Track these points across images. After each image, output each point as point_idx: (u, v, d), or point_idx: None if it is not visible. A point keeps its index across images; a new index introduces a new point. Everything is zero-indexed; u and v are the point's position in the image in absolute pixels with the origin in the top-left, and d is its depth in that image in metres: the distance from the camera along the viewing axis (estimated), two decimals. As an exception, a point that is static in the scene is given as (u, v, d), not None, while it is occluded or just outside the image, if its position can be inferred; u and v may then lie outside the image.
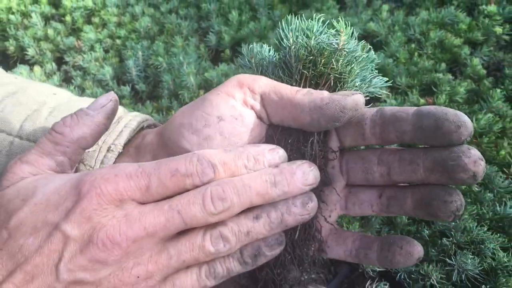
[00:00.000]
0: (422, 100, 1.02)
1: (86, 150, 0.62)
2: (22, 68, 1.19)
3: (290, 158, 0.57)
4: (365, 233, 0.85)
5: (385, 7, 1.22)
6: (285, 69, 0.62)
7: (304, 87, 0.60)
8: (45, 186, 0.50)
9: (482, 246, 0.80)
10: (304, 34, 0.60)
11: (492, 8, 1.15)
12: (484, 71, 1.06)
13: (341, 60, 0.59)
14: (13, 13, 1.35)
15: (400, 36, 1.14)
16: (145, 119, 0.70)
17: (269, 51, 0.67)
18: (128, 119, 0.67)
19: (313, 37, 0.59)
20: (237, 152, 0.53)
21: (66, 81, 1.21)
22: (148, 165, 0.50)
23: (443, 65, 1.08)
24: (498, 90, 1.00)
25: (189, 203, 0.48)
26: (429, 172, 0.53)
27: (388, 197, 0.58)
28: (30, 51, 1.25)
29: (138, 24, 1.27)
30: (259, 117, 0.58)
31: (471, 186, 0.87)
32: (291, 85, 0.60)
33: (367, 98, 0.60)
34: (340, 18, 0.60)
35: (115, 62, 1.22)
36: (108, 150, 0.63)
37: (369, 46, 0.62)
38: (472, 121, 0.93)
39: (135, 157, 0.65)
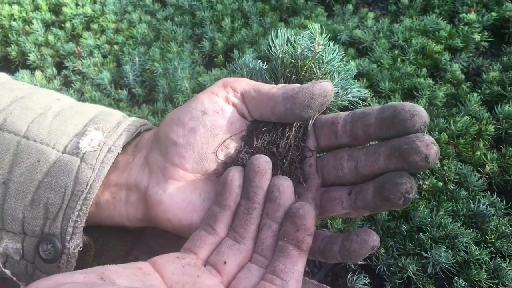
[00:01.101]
0: (403, 104, 1.07)
1: (87, 150, 0.67)
2: (24, 73, 1.24)
3: (266, 152, 0.63)
4: (348, 229, 0.90)
5: (371, 15, 1.28)
6: (272, 74, 0.68)
7: None
8: None
9: (456, 240, 0.86)
10: (290, 44, 0.66)
11: (472, 16, 1.21)
12: (463, 76, 1.12)
13: (323, 69, 0.65)
14: (15, 20, 1.40)
15: (384, 42, 1.20)
16: (143, 123, 0.75)
17: (260, 64, 0.73)
18: (127, 124, 0.72)
19: (298, 47, 0.65)
20: None
21: (66, 85, 1.26)
22: None
23: (424, 70, 1.13)
24: (475, 94, 1.06)
25: None
26: (388, 159, 0.58)
27: (356, 192, 0.63)
28: (32, 56, 1.30)
29: (135, 31, 1.33)
30: (240, 114, 0.65)
31: (447, 184, 0.93)
32: None
33: (345, 104, 0.66)
34: (314, 24, 0.65)
35: (113, 67, 1.27)
36: (108, 151, 0.67)
37: (348, 61, 0.67)
38: (450, 123, 0.99)
39: (132, 154, 0.71)
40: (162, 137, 0.67)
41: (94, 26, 1.38)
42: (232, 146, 0.66)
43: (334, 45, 0.67)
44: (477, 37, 1.18)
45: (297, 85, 0.61)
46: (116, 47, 1.32)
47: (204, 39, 1.30)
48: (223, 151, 0.65)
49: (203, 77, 1.17)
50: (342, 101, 0.66)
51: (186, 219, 0.65)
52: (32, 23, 1.38)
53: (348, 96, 0.69)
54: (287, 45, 0.67)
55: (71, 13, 1.40)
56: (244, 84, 0.65)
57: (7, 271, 0.66)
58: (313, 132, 0.67)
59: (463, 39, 1.18)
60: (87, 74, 1.25)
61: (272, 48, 0.67)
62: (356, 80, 0.69)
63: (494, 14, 1.20)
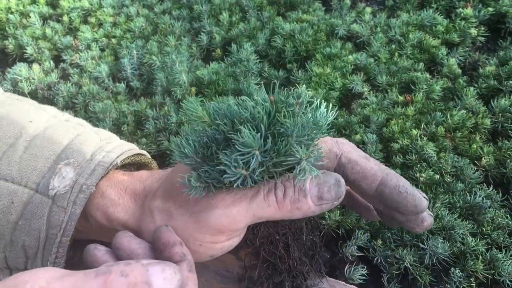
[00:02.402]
0: (401, 97, 1.08)
1: (59, 192, 0.62)
2: (21, 66, 1.24)
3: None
4: (345, 221, 0.91)
5: (368, 9, 1.29)
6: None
7: None
8: None
9: (453, 232, 0.86)
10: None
11: (469, 11, 1.21)
12: (460, 71, 1.13)
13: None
14: (12, 13, 1.40)
15: (381, 37, 1.20)
16: (120, 153, 0.69)
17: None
18: (102, 156, 0.66)
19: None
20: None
21: (64, 78, 1.26)
22: None
23: (421, 64, 1.14)
24: (472, 88, 1.07)
25: None
26: (387, 217, 0.61)
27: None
28: (29, 50, 1.30)
29: (133, 24, 1.33)
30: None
31: (444, 177, 0.94)
32: None
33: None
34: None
35: (110, 60, 1.27)
36: (80, 191, 0.63)
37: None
38: (446, 117, 1.00)
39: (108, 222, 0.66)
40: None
41: (92, 20, 1.38)
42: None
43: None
44: (473, 32, 1.19)
45: (314, 208, 0.56)
46: (113, 40, 1.32)
47: (202, 33, 1.30)
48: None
49: (201, 70, 1.18)
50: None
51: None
52: (30, 17, 1.38)
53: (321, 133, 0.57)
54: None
55: (69, 7, 1.40)
56: (244, 219, 0.56)
57: None
58: None
59: (460, 34, 1.19)
60: (85, 68, 1.25)
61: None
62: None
63: (490, 9, 1.21)
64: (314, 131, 0.51)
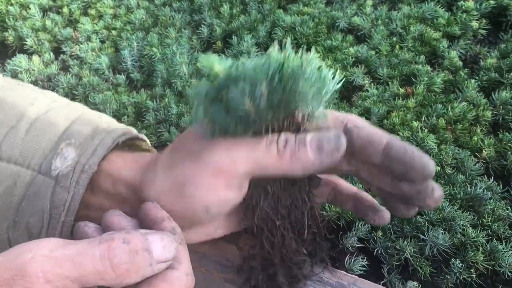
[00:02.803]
0: (402, 90, 1.08)
1: (61, 172, 0.62)
2: (21, 58, 1.24)
3: (284, 189, 0.61)
4: (345, 213, 0.91)
5: (369, 2, 1.28)
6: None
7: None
8: None
9: (453, 223, 0.86)
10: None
11: (470, 3, 1.21)
12: (461, 63, 1.12)
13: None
14: (12, 5, 1.40)
15: (382, 30, 1.20)
16: (121, 133, 0.68)
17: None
18: (103, 136, 0.66)
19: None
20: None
21: (64, 69, 1.26)
22: None
23: (422, 57, 1.14)
24: (473, 81, 1.07)
25: None
26: (395, 195, 0.59)
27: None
28: (29, 41, 1.30)
29: (133, 16, 1.33)
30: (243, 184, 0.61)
31: (444, 168, 0.94)
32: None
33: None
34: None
35: (111, 52, 1.27)
36: (82, 171, 0.62)
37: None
38: (447, 109, 1.00)
39: (111, 202, 0.67)
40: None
41: (92, 12, 1.38)
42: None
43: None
44: (475, 24, 1.18)
45: (313, 159, 0.55)
46: (114, 32, 1.31)
47: (202, 25, 1.30)
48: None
49: (201, 62, 1.17)
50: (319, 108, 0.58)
51: None
52: (29, 8, 1.37)
53: (327, 97, 0.61)
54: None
55: (69, -2, 1.40)
56: (244, 164, 0.55)
57: None
58: None
59: (461, 26, 1.19)
60: (85, 59, 1.24)
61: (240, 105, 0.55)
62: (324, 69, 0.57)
63: (492, 2, 1.21)
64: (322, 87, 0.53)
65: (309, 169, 0.55)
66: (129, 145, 0.72)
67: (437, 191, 0.55)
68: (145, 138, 0.75)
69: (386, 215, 0.64)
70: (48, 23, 1.33)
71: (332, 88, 0.54)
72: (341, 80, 0.54)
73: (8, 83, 0.74)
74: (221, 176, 0.55)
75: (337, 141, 0.54)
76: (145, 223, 0.55)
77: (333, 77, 0.54)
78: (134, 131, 0.73)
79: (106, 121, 0.71)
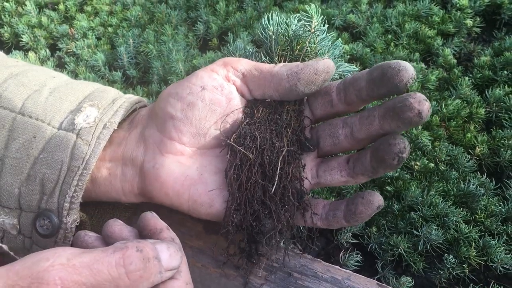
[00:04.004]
0: (396, 87, 1.09)
1: (83, 126, 0.67)
2: (17, 54, 1.24)
3: (267, 127, 0.64)
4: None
5: (365, -1, 1.29)
6: (266, 54, 0.70)
7: None
8: None
9: (446, 219, 0.87)
10: (282, 27, 0.68)
11: (464, 1, 1.22)
12: (455, 61, 1.13)
13: (313, 45, 0.67)
14: (7, 1, 1.39)
15: (378, 27, 1.21)
16: (138, 100, 0.76)
17: (253, 48, 0.76)
18: (123, 101, 0.72)
19: (291, 28, 0.67)
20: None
21: (60, 66, 1.26)
22: None
23: (417, 54, 1.15)
24: (467, 78, 1.08)
25: None
26: (383, 119, 0.59)
27: (354, 160, 0.64)
28: (25, 38, 1.30)
29: (129, 13, 1.33)
30: (240, 92, 0.66)
31: (438, 165, 0.95)
32: None
33: (336, 78, 0.68)
34: (312, 4, 0.67)
35: (107, 49, 1.27)
36: (104, 127, 0.68)
37: (334, 35, 0.72)
38: (441, 106, 1.01)
39: (128, 130, 0.71)
40: (159, 112, 0.67)
41: (88, 8, 1.38)
42: (231, 121, 0.66)
43: (324, 25, 0.68)
44: (469, 22, 1.19)
45: (299, 62, 0.63)
46: (110, 29, 1.31)
47: (198, 22, 1.30)
48: (222, 125, 0.66)
49: (197, 59, 1.18)
50: (333, 75, 0.67)
51: (183, 192, 0.66)
52: (25, 5, 1.37)
53: (339, 70, 0.71)
54: (280, 27, 0.69)
55: (65, -5, 1.40)
56: (245, 63, 0.66)
57: (5, 246, 0.66)
58: (307, 103, 0.68)
59: (455, 24, 1.20)
60: (81, 56, 1.24)
61: (266, 30, 0.69)
62: (342, 58, 0.72)
63: (486, 0, 1.22)
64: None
65: (293, 69, 0.62)
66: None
67: (419, 93, 0.57)
68: None
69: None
70: (44, 19, 1.33)
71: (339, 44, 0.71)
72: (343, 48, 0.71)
73: (29, 63, 0.80)
74: (224, 66, 0.66)
75: (326, 59, 0.62)
76: (144, 232, 0.57)
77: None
78: (146, 101, 0.79)
79: (121, 93, 0.76)
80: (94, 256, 0.45)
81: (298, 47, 0.67)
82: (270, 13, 0.69)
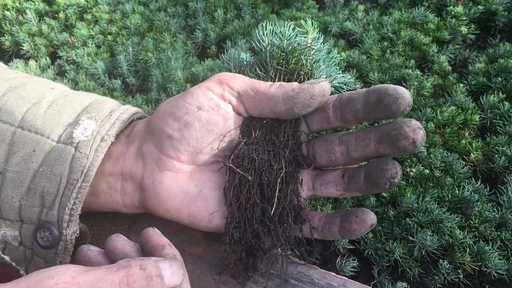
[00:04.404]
0: (392, 94, 1.10)
1: (81, 140, 0.68)
2: (18, 62, 1.25)
3: (265, 148, 0.65)
4: (338, 212, 0.93)
5: (361, 7, 1.30)
6: (262, 67, 0.71)
7: (279, 81, 0.69)
8: None
9: (441, 225, 0.89)
10: (277, 37, 0.69)
11: (459, 9, 1.24)
12: (450, 68, 1.15)
13: (309, 59, 0.68)
14: (8, 10, 1.41)
15: (374, 34, 1.22)
16: (136, 111, 0.77)
17: (245, 55, 0.76)
18: (120, 112, 0.73)
19: (285, 39, 0.68)
20: None
21: (60, 74, 1.27)
22: None
23: (413, 61, 1.16)
24: (462, 85, 1.09)
25: None
26: (378, 144, 0.61)
27: (349, 176, 0.66)
28: (25, 46, 1.31)
29: (129, 21, 1.34)
30: (236, 111, 0.67)
31: (433, 171, 0.96)
32: (267, 81, 0.68)
33: (332, 89, 0.69)
34: (308, 19, 0.68)
35: (106, 57, 1.28)
36: (101, 140, 0.68)
37: (331, 47, 0.71)
38: (436, 113, 1.02)
39: (125, 144, 0.73)
40: (156, 130, 0.68)
41: (88, 17, 1.39)
42: (228, 140, 0.67)
43: (320, 36, 0.70)
44: (464, 29, 1.21)
45: (296, 84, 0.64)
46: (109, 37, 1.33)
47: (197, 30, 1.31)
48: (220, 145, 0.67)
49: (196, 67, 1.19)
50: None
51: (184, 209, 0.68)
52: (26, 13, 1.39)
53: (334, 82, 0.72)
54: (275, 38, 0.70)
55: (65, 4, 1.41)
56: (241, 82, 0.66)
57: (6, 257, 0.67)
58: (303, 118, 0.69)
59: (450, 31, 1.21)
60: (81, 64, 1.26)
61: (261, 41, 0.70)
62: (338, 68, 0.72)
63: (480, 7, 1.24)
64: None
65: (289, 93, 0.62)
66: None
67: (414, 121, 0.58)
68: None
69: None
70: (44, 28, 1.35)
71: (333, 59, 0.71)
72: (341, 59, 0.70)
73: (28, 74, 0.81)
74: (220, 84, 0.66)
75: (322, 82, 0.62)
76: (146, 248, 0.58)
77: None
78: (143, 112, 0.79)
79: (120, 104, 0.77)
80: (98, 274, 0.46)
81: (294, 60, 0.69)
82: (265, 24, 0.70)
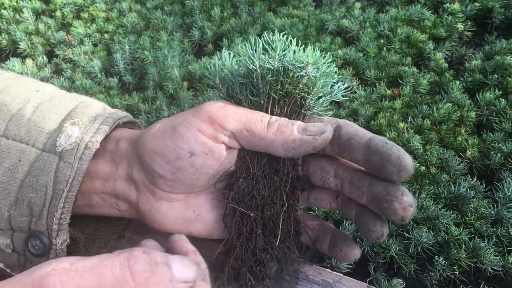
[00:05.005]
0: (388, 91, 1.10)
1: (65, 148, 0.68)
2: (15, 61, 1.25)
3: (265, 185, 0.64)
4: (333, 212, 0.93)
5: (358, 4, 1.30)
6: (253, 89, 0.65)
7: (272, 105, 0.65)
8: None
9: (437, 222, 0.89)
10: (268, 56, 0.63)
11: (456, 6, 1.24)
12: (446, 65, 1.15)
13: (306, 80, 0.63)
14: (5, 9, 1.41)
15: (370, 32, 1.22)
16: (121, 116, 0.73)
17: (230, 60, 0.68)
18: (105, 117, 0.69)
19: (277, 58, 0.62)
20: None
21: (57, 73, 1.27)
22: None
23: (409, 59, 1.16)
24: (458, 82, 1.09)
25: None
26: (369, 203, 0.61)
27: (342, 200, 0.66)
28: (22, 45, 1.31)
29: (125, 20, 1.34)
30: (229, 147, 0.64)
31: (429, 168, 0.96)
32: (259, 103, 0.65)
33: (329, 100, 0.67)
34: (310, 47, 0.62)
35: (103, 55, 1.28)
36: (85, 148, 0.65)
37: (330, 60, 0.64)
38: (433, 110, 1.02)
39: (112, 163, 0.71)
40: (147, 166, 0.66)
41: (85, 15, 1.39)
42: (225, 176, 0.66)
43: (329, 67, 0.64)
44: (460, 26, 1.21)
45: (296, 133, 0.59)
46: (106, 35, 1.33)
47: (193, 28, 1.31)
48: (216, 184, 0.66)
49: (192, 65, 1.19)
50: (326, 104, 0.65)
51: (183, 231, 0.67)
52: (23, 12, 1.39)
53: (332, 97, 0.68)
54: (266, 56, 0.62)
55: (61, 2, 1.42)
56: (234, 122, 0.60)
57: (0, 264, 0.67)
58: None
59: (447, 28, 1.21)
60: (77, 62, 1.26)
61: (253, 59, 0.62)
62: (337, 75, 0.68)
63: (477, 4, 1.24)
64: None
65: (290, 145, 0.59)
66: (128, 127, 0.76)
67: (407, 196, 0.57)
68: (141, 124, 0.79)
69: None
70: (41, 26, 1.35)
71: (337, 89, 0.63)
72: (346, 88, 0.62)
73: (14, 75, 0.78)
74: (211, 124, 0.60)
75: (322, 126, 0.58)
76: (171, 253, 0.57)
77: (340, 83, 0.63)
78: (131, 117, 0.77)
79: (107, 107, 0.75)
80: (98, 259, 0.44)
81: (289, 81, 0.64)
82: (253, 39, 0.64)
